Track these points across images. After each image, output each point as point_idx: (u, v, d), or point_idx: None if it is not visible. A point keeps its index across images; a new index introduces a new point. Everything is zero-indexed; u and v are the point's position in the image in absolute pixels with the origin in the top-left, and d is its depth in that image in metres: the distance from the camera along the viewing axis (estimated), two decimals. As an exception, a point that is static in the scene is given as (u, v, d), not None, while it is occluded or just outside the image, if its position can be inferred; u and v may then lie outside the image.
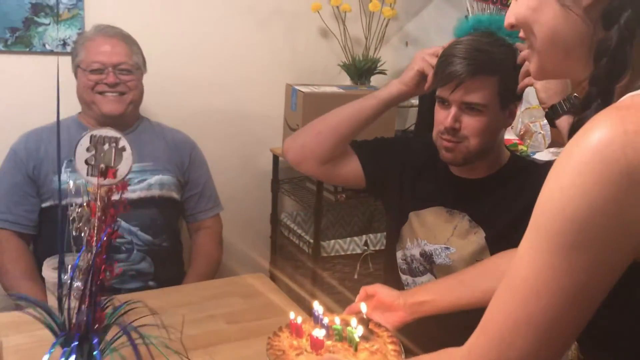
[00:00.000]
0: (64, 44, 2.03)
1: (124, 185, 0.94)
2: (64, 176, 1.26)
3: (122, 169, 0.93)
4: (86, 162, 0.92)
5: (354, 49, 2.42)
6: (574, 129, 0.63)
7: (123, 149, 0.94)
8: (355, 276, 2.32)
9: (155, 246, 1.76)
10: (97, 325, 0.91)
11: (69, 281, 0.89)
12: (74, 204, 0.91)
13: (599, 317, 0.62)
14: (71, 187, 0.93)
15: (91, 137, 0.93)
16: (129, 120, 1.83)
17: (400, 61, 2.59)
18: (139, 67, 1.81)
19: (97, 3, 2.05)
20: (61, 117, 0.93)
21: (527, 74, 1.20)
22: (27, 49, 1.98)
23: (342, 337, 1.01)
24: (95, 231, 0.90)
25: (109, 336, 0.92)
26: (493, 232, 1.27)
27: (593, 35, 0.66)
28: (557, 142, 2.00)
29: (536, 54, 0.73)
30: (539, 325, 0.61)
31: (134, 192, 1.74)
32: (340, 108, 1.41)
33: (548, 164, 1.38)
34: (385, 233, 2.33)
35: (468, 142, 1.25)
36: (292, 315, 1.05)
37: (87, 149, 0.93)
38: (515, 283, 0.63)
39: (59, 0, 2.00)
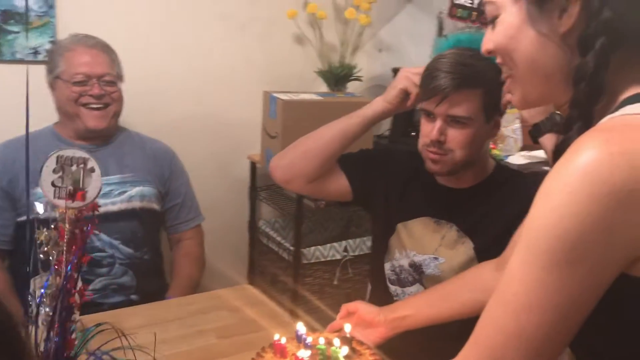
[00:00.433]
0: (35, 52, 1.97)
1: (93, 206, 0.90)
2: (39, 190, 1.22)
3: (92, 191, 0.90)
4: (53, 183, 0.88)
5: (329, 56, 2.43)
6: (559, 151, 0.66)
7: (92, 169, 0.90)
8: (335, 282, 2.33)
9: (137, 259, 1.74)
10: (66, 353, 0.87)
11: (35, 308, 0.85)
12: (40, 227, 0.86)
13: (591, 327, 0.64)
14: (41, 207, 0.89)
15: (57, 157, 0.89)
16: (109, 132, 1.80)
17: (374, 67, 2.61)
18: (120, 77, 1.78)
19: (69, 11, 2.01)
20: (36, 128, 0.87)
21: None
22: (-3, 58, 1.93)
23: (326, 356, 1.01)
24: (64, 255, 0.86)
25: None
26: (481, 243, 1.30)
27: (570, 61, 0.69)
28: (528, 145, 2.06)
29: (518, 82, 0.76)
30: (529, 339, 0.63)
31: (114, 205, 1.71)
32: (326, 126, 1.41)
33: (533, 176, 1.42)
34: (364, 238, 2.36)
35: (453, 154, 1.28)
36: (276, 336, 1.06)
37: (54, 170, 0.89)
38: (507, 298, 0.65)
39: (29, 8, 1.94)
